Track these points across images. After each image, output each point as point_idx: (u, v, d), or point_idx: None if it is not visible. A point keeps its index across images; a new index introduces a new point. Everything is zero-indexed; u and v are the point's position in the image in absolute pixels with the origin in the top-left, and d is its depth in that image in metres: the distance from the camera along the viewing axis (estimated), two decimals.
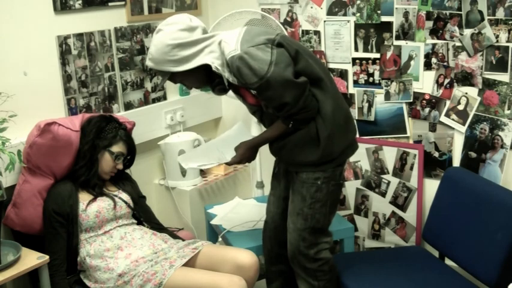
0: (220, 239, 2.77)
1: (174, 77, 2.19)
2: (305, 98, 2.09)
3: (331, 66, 3.06)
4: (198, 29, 2.14)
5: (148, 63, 2.18)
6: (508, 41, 2.48)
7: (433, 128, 2.81)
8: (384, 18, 2.83)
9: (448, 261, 2.54)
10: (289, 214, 2.31)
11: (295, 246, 2.28)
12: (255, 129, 3.05)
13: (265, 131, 2.32)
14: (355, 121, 2.34)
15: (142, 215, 2.64)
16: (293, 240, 2.28)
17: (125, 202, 2.53)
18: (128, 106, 3.02)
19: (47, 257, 2.17)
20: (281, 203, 2.44)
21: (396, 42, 2.83)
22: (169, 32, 2.10)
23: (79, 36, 2.71)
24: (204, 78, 2.21)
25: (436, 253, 2.63)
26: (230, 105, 3.48)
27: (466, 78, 2.65)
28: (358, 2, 2.88)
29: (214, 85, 2.26)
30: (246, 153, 2.31)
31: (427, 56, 2.75)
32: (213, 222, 2.85)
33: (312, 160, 2.20)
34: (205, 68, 2.12)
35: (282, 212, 2.42)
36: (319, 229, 2.28)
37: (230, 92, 2.31)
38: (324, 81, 2.16)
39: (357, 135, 2.34)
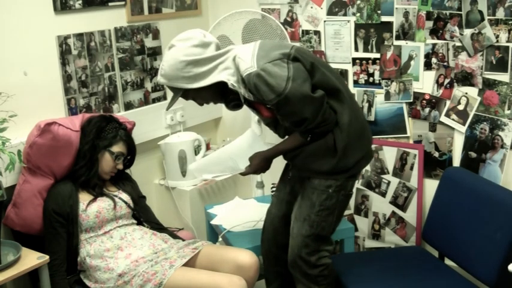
0: (220, 239, 2.76)
1: (186, 93, 2.17)
2: (323, 112, 2.07)
3: (331, 66, 3.06)
4: (211, 45, 2.13)
5: (161, 79, 2.15)
6: (508, 41, 2.48)
7: (433, 128, 2.81)
8: (384, 18, 2.83)
9: (448, 261, 2.54)
10: (295, 219, 2.28)
11: (296, 252, 2.26)
12: (256, 128, 3.05)
13: (282, 143, 2.29)
14: (370, 132, 2.33)
15: (142, 215, 2.64)
16: (295, 246, 2.26)
17: (125, 202, 2.53)
18: (128, 106, 3.02)
19: (47, 257, 2.17)
20: (283, 206, 2.43)
21: (396, 42, 2.83)
22: (182, 48, 2.08)
23: (79, 36, 2.72)
24: (218, 94, 2.20)
25: (435, 253, 2.63)
26: None
27: (466, 78, 2.65)
28: (358, 2, 2.88)
29: (228, 101, 2.25)
30: (261, 163, 2.30)
31: (427, 56, 2.75)
32: (213, 222, 2.85)
33: (327, 169, 2.18)
34: (219, 84, 2.11)
35: (283, 216, 2.41)
36: (323, 237, 2.27)
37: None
38: (342, 91, 2.15)
39: (372, 145, 2.32)
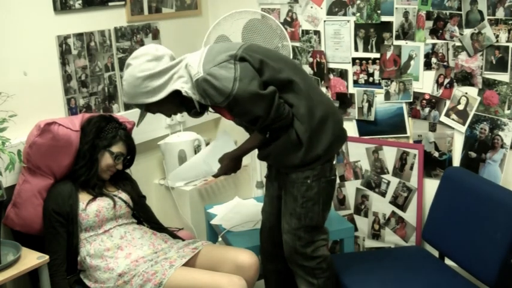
0: (220, 239, 2.77)
1: (149, 108, 2.22)
2: (276, 108, 2.08)
3: (331, 66, 3.06)
4: (165, 57, 2.17)
5: (124, 98, 2.23)
6: (508, 41, 2.48)
7: (433, 127, 2.81)
8: (384, 18, 2.83)
9: (448, 261, 2.54)
10: (283, 215, 2.31)
11: (291, 246, 2.28)
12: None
13: (245, 142, 2.32)
14: (338, 112, 2.30)
15: (142, 214, 2.64)
16: (289, 240, 2.28)
17: (125, 202, 2.53)
18: (128, 106, 3.02)
19: (47, 257, 2.17)
20: (275, 202, 2.44)
21: (396, 42, 2.83)
22: (137, 65, 2.14)
23: (79, 36, 2.72)
24: (178, 104, 2.23)
25: (436, 253, 2.63)
26: None
27: (466, 78, 2.65)
28: (358, 2, 2.88)
29: (190, 109, 2.27)
30: (230, 164, 2.34)
31: (427, 56, 2.75)
32: (213, 222, 2.86)
33: (298, 163, 2.20)
34: (177, 93, 2.14)
35: (277, 212, 2.42)
36: (314, 227, 2.28)
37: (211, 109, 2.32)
38: (295, 82, 2.15)
39: (343, 125, 2.32)
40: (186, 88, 2.13)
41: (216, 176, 2.40)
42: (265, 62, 2.12)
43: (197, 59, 2.12)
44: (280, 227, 2.35)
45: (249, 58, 2.10)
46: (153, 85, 2.13)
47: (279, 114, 2.09)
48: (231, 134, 3.55)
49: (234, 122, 2.39)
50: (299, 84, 2.16)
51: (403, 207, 2.95)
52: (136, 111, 3.00)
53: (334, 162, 2.37)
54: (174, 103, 2.22)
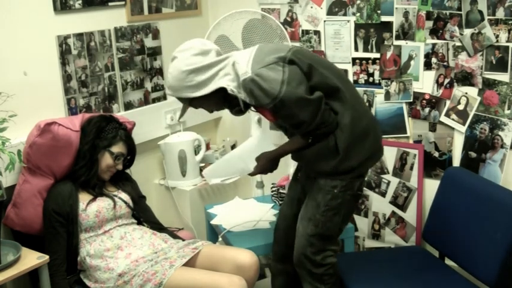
0: (220, 239, 2.76)
1: (193, 102, 2.20)
2: (322, 114, 2.07)
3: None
4: (211, 52, 2.15)
5: (168, 91, 2.21)
6: (508, 41, 2.48)
7: (433, 128, 2.81)
8: (384, 18, 2.83)
9: (448, 261, 2.54)
10: (301, 218, 2.28)
11: (301, 251, 2.26)
12: (254, 129, 3.06)
13: (285, 144, 2.31)
14: (379, 130, 2.30)
15: (142, 215, 2.64)
16: (300, 245, 2.26)
17: (125, 202, 2.53)
18: (128, 106, 3.02)
19: (47, 257, 2.17)
20: (294, 204, 2.43)
21: (396, 42, 2.83)
22: (183, 58, 2.12)
23: (79, 36, 2.71)
24: (222, 100, 2.22)
25: (436, 253, 2.63)
26: None
27: (466, 78, 2.65)
28: (358, 2, 2.88)
29: (232, 106, 2.26)
30: (267, 164, 2.32)
31: (427, 56, 2.75)
32: (213, 222, 2.85)
33: (329, 170, 2.18)
34: (222, 90, 2.13)
35: (294, 215, 2.40)
36: (328, 236, 2.26)
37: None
38: (342, 91, 2.13)
39: (381, 143, 2.31)
40: (231, 86, 2.12)
41: (252, 174, 2.38)
42: (313, 67, 2.11)
43: (246, 58, 2.10)
44: (295, 228, 2.34)
45: (298, 61, 2.09)
46: (198, 79, 2.11)
47: (323, 120, 2.08)
48: (230, 135, 3.56)
49: (274, 124, 2.37)
50: (345, 93, 2.14)
51: (403, 207, 2.95)
52: (136, 112, 3.03)
53: (366, 178, 2.35)
54: (218, 99, 2.20)
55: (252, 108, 2.24)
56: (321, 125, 2.09)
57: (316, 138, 2.16)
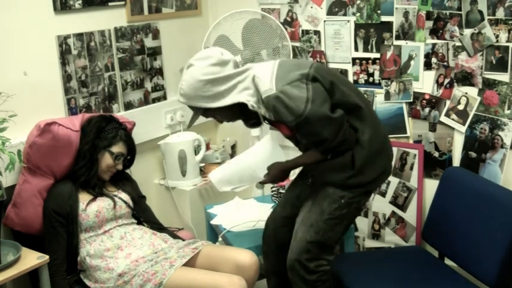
0: (220, 239, 2.76)
1: (206, 112, 2.18)
2: (343, 132, 2.07)
3: (331, 66, 3.06)
4: (230, 63, 2.14)
5: (180, 99, 2.16)
6: (508, 41, 2.48)
7: (433, 128, 2.81)
8: (384, 18, 2.83)
9: (448, 261, 2.54)
10: (301, 222, 2.25)
11: (296, 256, 2.22)
12: (255, 131, 3.06)
13: (301, 157, 2.29)
14: (391, 148, 2.31)
15: (142, 215, 2.64)
16: (296, 250, 2.22)
17: (125, 202, 2.53)
18: (128, 106, 3.02)
19: (47, 257, 2.17)
20: (288, 207, 2.43)
21: (396, 42, 2.83)
22: (201, 67, 2.09)
23: (79, 36, 2.72)
24: (237, 113, 2.21)
25: (435, 253, 2.63)
26: None
27: (466, 78, 2.65)
28: (358, 2, 2.88)
29: (247, 119, 2.26)
30: (279, 175, 2.31)
31: (427, 56, 2.75)
32: (213, 222, 2.85)
33: (341, 182, 2.18)
34: (239, 104, 2.11)
35: (285, 217, 2.40)
36: (327, 245, 2.23)
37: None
38: (363, 108, 2.15)
39: (392, 161, 2.35)
40: (252, 101, 2.10)
41: (263, 182, 2.37)
42: (335, 84, 2.11)
43: (267, 74, 2.08)
44: (284, 230, 2.34)
45: (321, 79, 2.08)
46: (215, 90, 2.09)
47: (345, 138, 2.09)
48: (230, 135, 3.56)
49: (286, 136, 2.34)
50: (365, 110, 2.15)
51: (403, 207, 2.95)
52: (136, 112, 3.03)
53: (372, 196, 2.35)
54: (234, 112, 2.19)
55: (266, 121, 2.22)
56: (341, 143, 2.09)
57: (335, 154, 2.16)
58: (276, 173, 2.30)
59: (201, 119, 3.41)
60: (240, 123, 2.52)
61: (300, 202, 2.34)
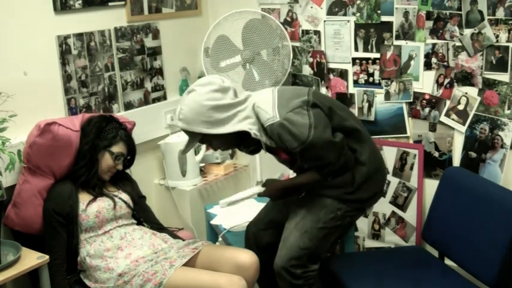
0: (220, 239, 2.77)
1: (204, 138, 2.20)
2: (344, 155, 2.15)
3: (331, 66, 3.06)
4: (230, 90, 2.18)
5: (180, 123, 2.18)
6: (508, 41, 2.48)
7: (433, 128, 2.81)
8: (384, 18, 2.83)
9: (448, 261, 2.54)
10: (294, 228, 2.27)
11: (284, 263, 2.23)
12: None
13: (299, 177, 2.34)
14: (386, 169, 2.42)
15: (142, 215, 2.64)
16: (285, 255, 2.24)
17: (125, 202, 2.53)
18: (128, 106, 3.02)
19: (47, 257, 2.17)
20: (273, 212, 2.47)
21: (396, 42, 2.83)
22: (203, 93, 2.12)
23: (79, 36, 2.72)
24: (235, 141, 2.25)
25: (435, 253, 2.63)
26: None
27: (466, 78, 2.65)
28: (358, 2, 2.88)
29: (246, 146, 2.32)
30: (277, 191, 2.36)
31: (427, 56, 2.75)
32: (213, 222, 2.85)
33: (338, 196, 2.24)
34: (240, 132, 2.15)
35: (269, 221, 2.45)
36: (316, 254, 2.27)
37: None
38: (361, 131, 2.24)
39: (386, 180, 2.50)
40: (254, 130, 2.15)
41: (260, 195, 2.41)
42: (333, 110, 2.19)
43: (269, 102, 2.13)
44: (264, 233, 2.42)
45: (321, 104, 2.16)
46: (217, 117, 2.12)
47: (346, 160, 2.16)
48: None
49: (282, 160, 2.39)
50: (362, 132, 2.25)
51: (403, 207, 2.95)
52: (136, 112, 3.02)
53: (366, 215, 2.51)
54: (231, 140, 2.22)
55: (265, 148, 2.26)
56: (343, 165, 2.16)
57: (334, 175, 2.22)
58: (275, 189, 2.35)
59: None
60: None
61: (286, 209, 2.39)
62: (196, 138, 2.20)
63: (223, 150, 2.36)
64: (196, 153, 3.19)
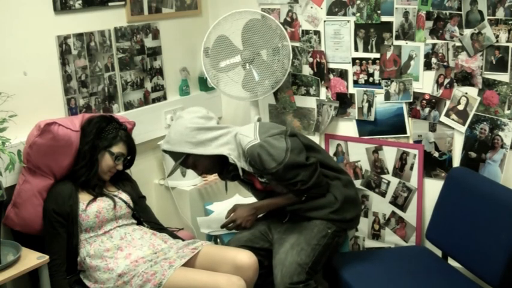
0: (218, 240, 2.76)
1: (187, 159, 2.42)
2: (317, 177, 2.38)
3: (331, 66, 3.06)
4: (213, 120, 2.46)
5: (165, 145, 2.44)
6: (508, 41, 2.48)
7: (433, 128, 2.81)
8: (384, 18, 2.83)
9: (452, 261, 2.54)
10: (290, 249, 2.37)
11: (285, 280, 2.30)
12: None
13: (276, 198, 2.53)
14: (360, 205, 2.74)
15: (142, 215, 2.64)
16: (286, 273, 2.31)
17: (125, 202, 2.53)
18: (128, 106, 3.02)
19: (47, 257, 2.17)
20: (256, 233, 2.54)
21: (396, 42, 2.83)
22: (189, 118, 2.41)
23: (79, 36, 2.72)
24: (217, 165, 2.47)
25: (439, 253, 2.63)
26: (230, 105, 3.48)
27: (466, 78, 2.65)
28: (358, 2, 2.88)
29: (227, 172, 2.49)
30: (249, 214, 2.54)
31: (427, 56, 2.75)
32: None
33: (325, 216, 2.44)
34: (219, 157, 2.40)
35: (251, 240, 2.52)
36: (314, 270, 2.37)
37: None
38: (339, 170, 2.56)
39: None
40: (233, 156, 2.39)
41: (223, 226, 2.56)
42: (314, 147, 2.50)
43: (250, 130, 2.40)
44: (256, 237, 2.51)
45: (298, 135, 2.46)
46: (199, 138, 2.37)
47: (318, 181, 2.39)
48: None
49: (255, 192, 2.61)
50: (340, 172, 2.55)
51: (403, 208, 2.95)
52: (136, 112, 3.02)
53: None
54: (213, 163, 2.46)
55: (243, 175, 2.45)
56: (314, 186, 2.38)
57: (310, 197, 2.44)
58: (243, 218, 2.51)
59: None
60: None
61: (269, 233, 2.52)
62: (180, 158, 2.39)
63: (207, 174, 2.58)
64: None
